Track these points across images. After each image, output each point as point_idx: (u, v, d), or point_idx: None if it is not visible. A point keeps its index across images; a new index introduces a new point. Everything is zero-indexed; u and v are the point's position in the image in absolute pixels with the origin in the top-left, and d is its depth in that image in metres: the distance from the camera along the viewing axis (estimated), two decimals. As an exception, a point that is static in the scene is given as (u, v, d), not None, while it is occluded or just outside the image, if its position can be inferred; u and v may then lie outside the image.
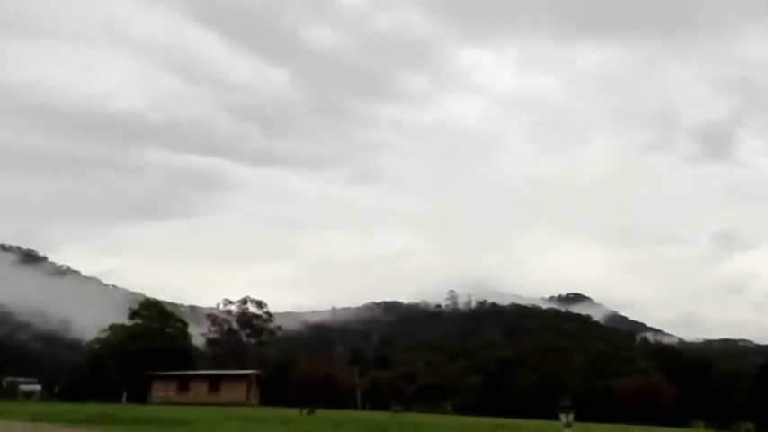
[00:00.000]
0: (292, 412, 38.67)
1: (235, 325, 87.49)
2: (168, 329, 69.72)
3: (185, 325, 73.99)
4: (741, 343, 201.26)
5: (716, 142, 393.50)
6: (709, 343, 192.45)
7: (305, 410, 39.26)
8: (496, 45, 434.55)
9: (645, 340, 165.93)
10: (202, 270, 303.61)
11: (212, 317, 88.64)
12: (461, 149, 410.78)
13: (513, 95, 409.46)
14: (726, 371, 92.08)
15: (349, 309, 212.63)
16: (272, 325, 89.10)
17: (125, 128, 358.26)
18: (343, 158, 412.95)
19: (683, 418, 73.49)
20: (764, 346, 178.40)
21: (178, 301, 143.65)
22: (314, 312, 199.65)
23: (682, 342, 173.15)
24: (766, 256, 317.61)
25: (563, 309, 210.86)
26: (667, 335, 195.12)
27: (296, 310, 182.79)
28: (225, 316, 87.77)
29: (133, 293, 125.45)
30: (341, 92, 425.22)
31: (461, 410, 72.52)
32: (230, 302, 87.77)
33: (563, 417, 11.62)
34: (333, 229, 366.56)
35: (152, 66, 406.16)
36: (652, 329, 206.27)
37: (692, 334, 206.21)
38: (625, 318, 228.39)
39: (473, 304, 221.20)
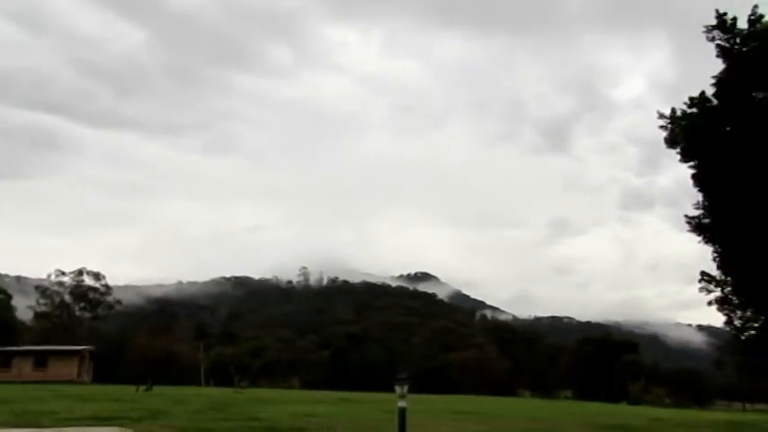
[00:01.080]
0: (128, 389, 36.72)
1: (68, 298, 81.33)
2: (-13, 302, 63.60)
3: (9, 297, 68.09)
4: (566, 320, 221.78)
5: (556, 137, 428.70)
6: (538, 320, 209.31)
7: (142, 387, 37.47)
8: (362, 26, 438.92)
9: (483, 317, 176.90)
10: (33, 237, 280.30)
11: (42, 289, 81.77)
12: (321, 126, 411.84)
13: (375, 77, 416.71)
14: (551, 345, 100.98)
15: (196, 283, 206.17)
16: (110, 298, 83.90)
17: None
18: (198, 126, 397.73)
19: (512, 387, 79.82)
20: (585, 323, 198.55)
21: (2, 271, 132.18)
22: (158, 286, 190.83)
23: (515, 319, 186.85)
24: (592, 242, 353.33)
25: (411, 287, 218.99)
26: (503, 312, 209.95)
27: (138, 284, 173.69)
28: (57, 288, 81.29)
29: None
30: (199, 58, 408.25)
31: (309, 385, 73.15)
32: (63, 273, 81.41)
33: (398, 388, 12.16)
34: (182, 198, 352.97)
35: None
36: (490, 307, 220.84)
37: (525, 311, 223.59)
38: (467, 296, 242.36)
39: (324, 281, 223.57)
